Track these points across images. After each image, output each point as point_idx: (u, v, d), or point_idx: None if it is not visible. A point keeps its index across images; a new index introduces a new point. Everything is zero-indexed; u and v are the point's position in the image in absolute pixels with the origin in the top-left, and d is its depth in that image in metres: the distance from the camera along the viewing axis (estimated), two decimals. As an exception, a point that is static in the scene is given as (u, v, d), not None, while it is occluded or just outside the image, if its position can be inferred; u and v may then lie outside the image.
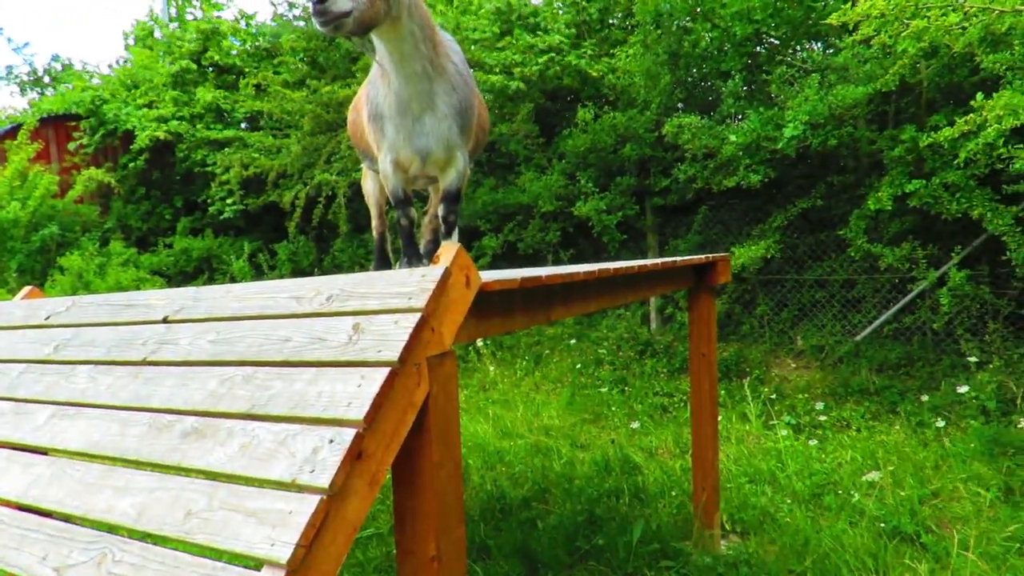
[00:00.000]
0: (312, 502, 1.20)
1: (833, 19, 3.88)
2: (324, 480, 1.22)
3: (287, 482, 1.26)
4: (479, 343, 8.35)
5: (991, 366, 5.49)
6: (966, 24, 3.59)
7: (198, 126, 11.05)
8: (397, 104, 2.49)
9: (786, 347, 7.01)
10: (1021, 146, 3.92)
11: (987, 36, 4.67)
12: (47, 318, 2.35)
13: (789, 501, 4.34)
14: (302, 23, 10.38)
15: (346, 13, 2.03)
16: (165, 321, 1.94)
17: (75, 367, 1.97)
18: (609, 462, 5.02)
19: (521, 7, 9.08)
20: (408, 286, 1.56)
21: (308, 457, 1.29)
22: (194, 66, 11.65)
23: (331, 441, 1.29)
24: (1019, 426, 4.77)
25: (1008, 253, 5.25)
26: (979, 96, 3.91)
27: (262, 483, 1.30)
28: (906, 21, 3.67)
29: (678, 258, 3.63)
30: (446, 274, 1.58)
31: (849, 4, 3.84)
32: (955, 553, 3.48)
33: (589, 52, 8.33)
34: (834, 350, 6.53)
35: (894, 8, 3.61)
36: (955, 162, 5.14)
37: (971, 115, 4.04)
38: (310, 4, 2.01)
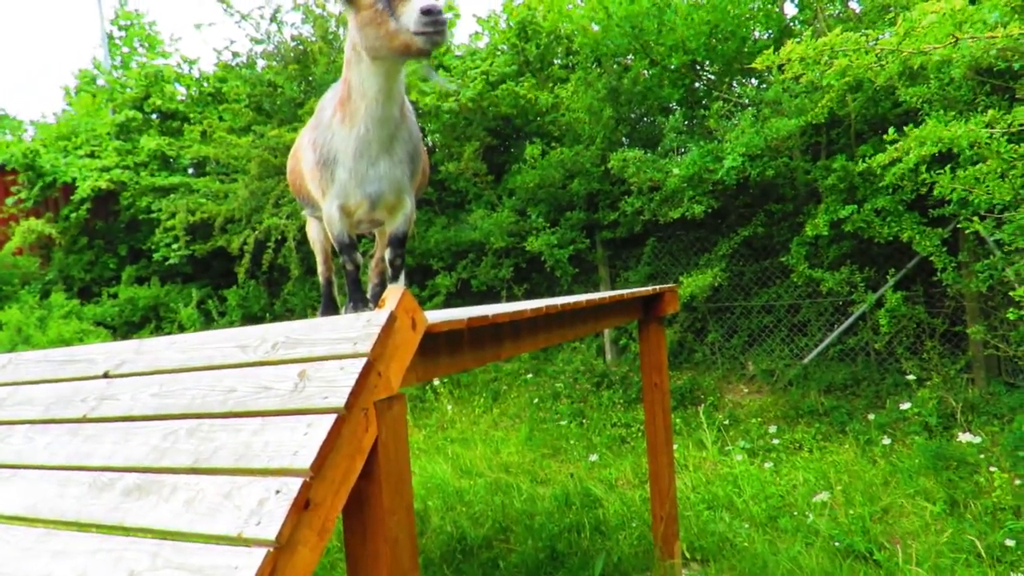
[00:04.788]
0: (259, 555, 1.19)
1: (758, 63, 4.08)
2: (271, 532, 1.21)
3: (233, 536, 1.24)
4: (436, 382, 8.30)
5: (930, 383, 5.70)
6: (883, 62, 3.81)
7: (142, 174, 10.87)
8: (357, 147, 2.50)
9: (738, 373, 7.16)
10: (941, 172, 4.14)
11: (905, 71, 4.96)
12: (-19, 378, 2.27)
13: (747, 526, 4.40)
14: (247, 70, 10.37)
15: (445, 22, 2.18)
16: (106, 376, 1.91)
17: (11, 427, 1.91)
18: (569, 496, 5.02)
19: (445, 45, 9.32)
20: (353, 331, 1.57)
21: (254, 509, 1.27)
22: (138, 114, 11.51)
23: (278, 492, 1.28)
24: (959, 440, 4.95)
25: (938, 274, 5.50)
26: (891, 131, 4.13)
27: (207, 539, 1.28)
28: (829, 59, 3.89)
29: (625, 291, 3.71)
30: (391, 318, 1.59)
31: (772, 49, 4.04)
32: (906, 568, 3.57)
33: (528, 84, 8.53)
34: (784, 374, 6.69)
35: (814, 52, 3.82)
36: (881, 185, 5.40)
37: (900, 143, 4.27)
38: (423, 18, 2.12)
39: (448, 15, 2.15)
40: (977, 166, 3.98)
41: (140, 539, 1.36)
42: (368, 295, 2.97)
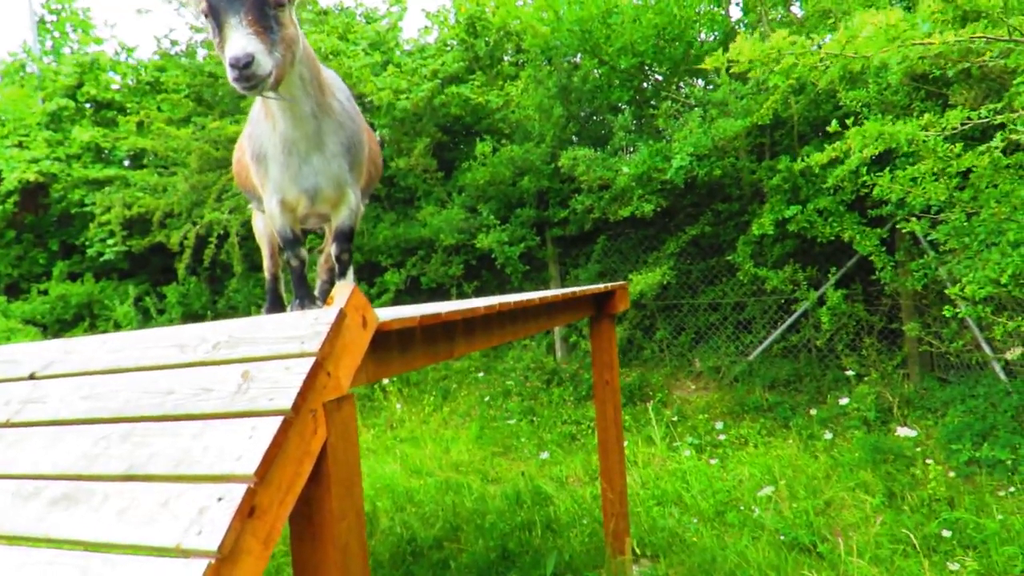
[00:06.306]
0: (199, 567, 1.12)
1: (708, 64, 4.15)
2: (212, 543, 1.14)
3: (171, 547, 1.17)
4: (385, 381, 8.18)
5: (869, 378, 5.89)
6: (827, 63, 3.90)
7: (75, 166, 10.41)
8: (283, 145, 2.42)
9: (686, 369, 7.26)
10: (881, 174, 4.26)
11: (846, 75, 5.09)
12: None
13: (696, 521, 4.45)
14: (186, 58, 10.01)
15: (268, 74, 2.00)
16: (32, 378, 1.79)
17: (-75, 434, 1.77)
18: (520, 495, 5.00)
19: (395, 40, 9.21)
20: (300, 330, 1.50)
21: (194, 519, 1.20)
22: (71, 103, 11.01)
23: (220, 499, 1.21)
24: (896, 433, 5.11)
25: (877, 272, 5.68)
26: (834, 123, 4.23)
27: (143, 550, 1.20)
28: (776, 60, 3.97)
29: (577, 288, 3.71)
30: (340, 315, 1.53)
31: (720, 49, 4.11)
32: (847, 560, 3.66)
33: (478, 83, 8.47)
34: (730, 370, 6.81)
35: (761, 54, 3.90)
36: (825, 187, 5.55)
37: (837, 143, 4.38)
38: (230, 70, 1.93)
39: (267, 66, 1.84)
40: (915, 167, 4.11)
41: (68, 552, 1.27)
42: (317, 292, 2.89)
